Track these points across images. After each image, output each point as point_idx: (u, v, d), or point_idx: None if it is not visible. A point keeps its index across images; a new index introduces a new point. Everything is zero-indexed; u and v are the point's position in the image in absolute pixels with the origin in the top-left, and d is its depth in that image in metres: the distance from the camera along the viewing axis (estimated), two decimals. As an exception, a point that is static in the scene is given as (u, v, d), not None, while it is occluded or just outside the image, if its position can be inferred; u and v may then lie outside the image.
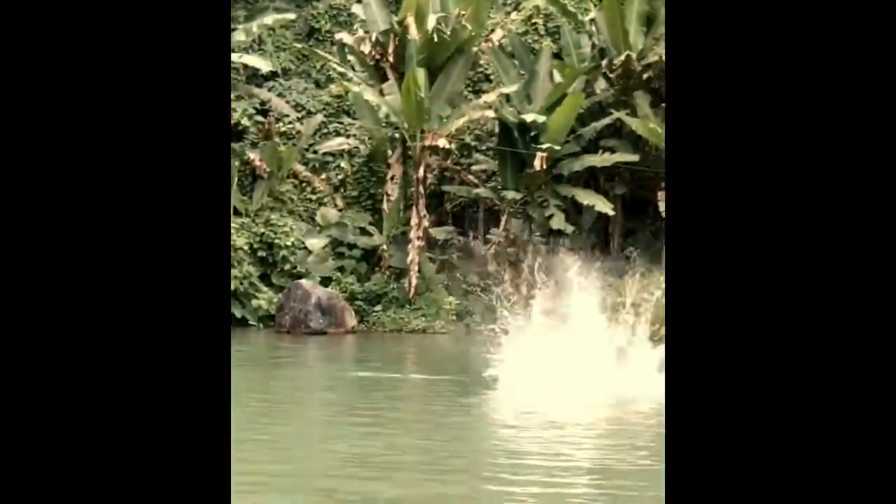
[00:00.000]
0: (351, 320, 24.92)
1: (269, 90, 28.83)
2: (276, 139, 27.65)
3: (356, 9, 27.96)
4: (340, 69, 27.24)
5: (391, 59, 26.30)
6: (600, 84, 27.38)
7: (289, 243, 26.34)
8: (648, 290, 20.13)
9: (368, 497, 8.85)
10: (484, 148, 28.71)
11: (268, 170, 26.97)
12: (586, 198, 26.03)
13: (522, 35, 28.99)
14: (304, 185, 28.26)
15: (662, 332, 17.06)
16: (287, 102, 28.76)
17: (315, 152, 28.58)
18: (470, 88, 28.85)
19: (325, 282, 25.91)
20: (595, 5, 28.06)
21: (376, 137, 27.60)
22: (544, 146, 25.44)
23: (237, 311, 24.73)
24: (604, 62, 26.70)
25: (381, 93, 26.13)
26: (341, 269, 26.47)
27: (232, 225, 24.42)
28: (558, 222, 25.69)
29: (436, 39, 25.79)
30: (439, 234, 27.42)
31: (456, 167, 28.42)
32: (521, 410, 13.74)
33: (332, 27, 30.10)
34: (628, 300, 17.09)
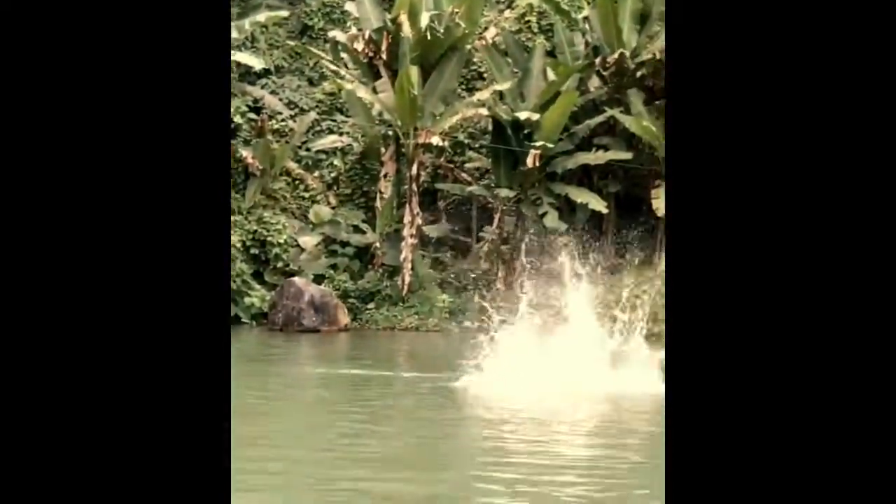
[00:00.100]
0: (344, 318, 24.90)
1: (262, 88, 28.82)
2: (269, 137, 27.63)
3: (349, 6, 27.95)
4: (333, 67, 27.23)
5: (384, 56, 26.27)
6: (594, 82, 27.42)
7: (282, 241, 26.32)
8: (641, 287, 20.15)
9: (360, 493, 8.84)
10: (477, 146, 28.73)
11: (261, 167, 26.95)
12: (580, 196, 26.06)
13: (516, 33, 28.99)
14: (297, 182, 28.25)
15: (656, 329, 17.10)
16: (280, 100, 28.75)
17: (308, 150, 28.56)
18: (463, 86, 28.87)
19: (318, 279, 25.91)
20: (588, 3, 28.07)
21: (369, 135, 27.60)
22: (538, 144, 25.45)
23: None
24: (597, 60, 26.71)
25: (375, 90, 26.13)
26: (334, 266, 26.47)
27: (225, 222, 24.36)
28: (552, 220, 25.68)
29: (429, 37, 25.75)
30: (432, 231, 27.43)
31: (449, 165, 28.43)
32: (513, 407, 13.74)
33: (325, 25, 30.10)
34: (623, 296, 17.11)
